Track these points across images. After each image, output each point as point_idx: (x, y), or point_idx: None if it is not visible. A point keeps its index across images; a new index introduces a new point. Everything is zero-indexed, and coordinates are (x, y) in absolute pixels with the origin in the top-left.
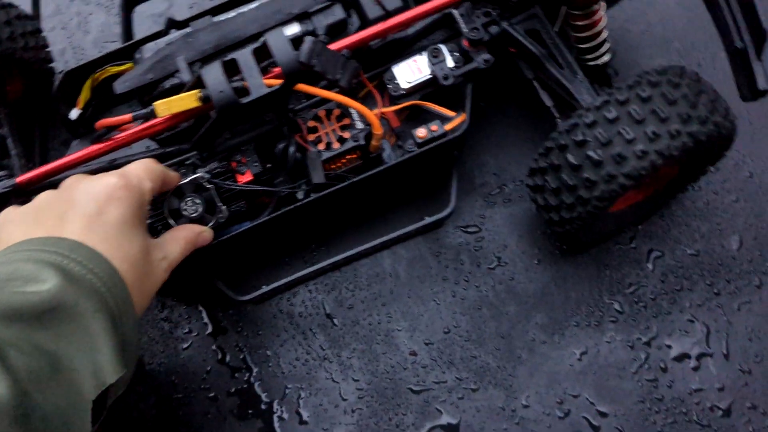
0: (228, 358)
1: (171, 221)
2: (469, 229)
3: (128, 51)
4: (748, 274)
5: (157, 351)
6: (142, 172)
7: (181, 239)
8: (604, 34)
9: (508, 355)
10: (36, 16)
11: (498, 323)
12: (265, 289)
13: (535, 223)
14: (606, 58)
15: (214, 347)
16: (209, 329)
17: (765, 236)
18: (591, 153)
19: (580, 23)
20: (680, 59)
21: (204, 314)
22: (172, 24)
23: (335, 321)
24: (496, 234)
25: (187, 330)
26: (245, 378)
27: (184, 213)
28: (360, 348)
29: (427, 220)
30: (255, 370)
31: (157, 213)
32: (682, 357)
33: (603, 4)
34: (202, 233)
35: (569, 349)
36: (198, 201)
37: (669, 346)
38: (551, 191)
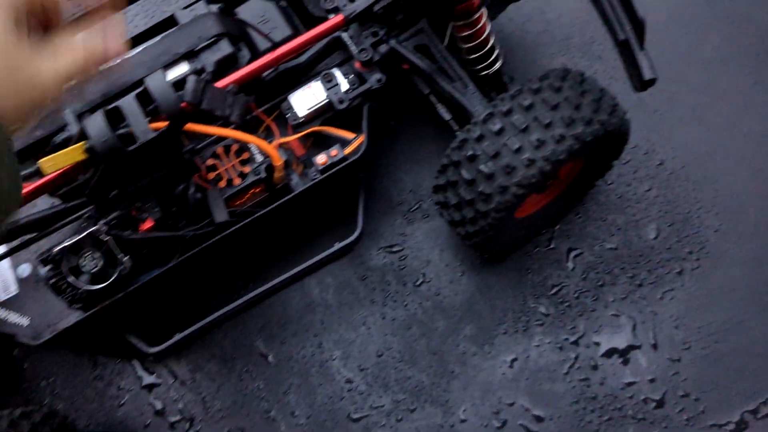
0: (165, 410)
1: (71, 279)
2: (393, 249)
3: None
4: (668, 261)
5: (93, 411)
6: None
7: (79, 47)
8: (491, 42)
9: (441, 370)
10: None
11: (428, 340)
12: (177, 336)
13: (455, 236)
14: (497, 65)
15: (150, 400)
16: (144, 382)
17: (681, 222)
18: (482, 167)
19: (464, 33)
20: (581, 55)
21: (137, 367)
22: None
23: (269, 358)
24: (419, 251)
25: (121, 386)
26: (185, 428)
27: (84, 269)
28: (296, 383)
29: (337, 246)
30: (194, 419)
31: (56, 273)
32: (611, 353)
33: (485, 12)
34: (110, 45)
35: (500, 357)
36: (97, 255)
37: (597, 344)
38: (454, 207)
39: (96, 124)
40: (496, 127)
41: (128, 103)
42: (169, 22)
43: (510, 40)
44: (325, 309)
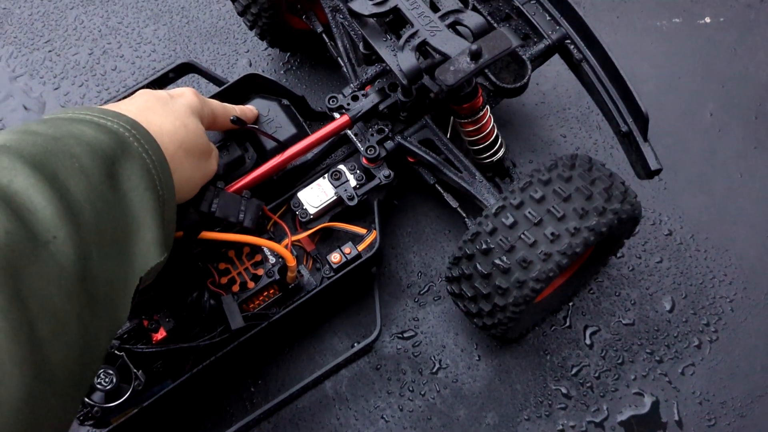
0: None
1: (85, 398)
2: (405, 335)
3: None
4: (686, 335)
5: None
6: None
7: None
8: (495, 133)
9: None
10: None
11: (450, 431)
12: None
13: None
14: (500, 153)
15: None
16: None
17: (695, 293)
18: (497, 261)
19: (469, 129)
20: (579, 125)
21: None
22: None
23: None
24: (433, 336)
25: None
26: None
27: (99, 387)
28: None
29: (356, 347)
30: None
31: None
32: None
33: (488, 108)
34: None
35: None
36: (110, 372)
37: (621, 424)
38: (469, 299)
39: None
40: (509, 220)
41: None
42: None
43: (507, 115)
44: (340, 404)
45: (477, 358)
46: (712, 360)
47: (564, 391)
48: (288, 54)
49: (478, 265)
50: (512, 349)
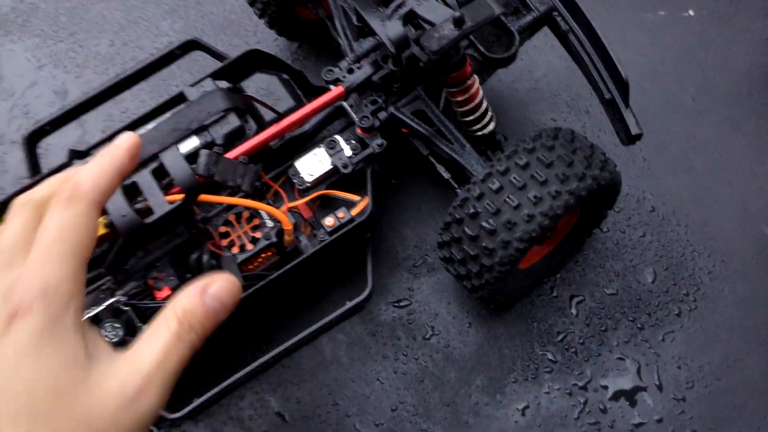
0: None
1: None
2: (401, 304)
3: (34, 186)
4: (666, 304)
5: None
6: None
7: (163, 337)
8: (485, 105)
9: (456, 422)
10: None
11: (441, 392)
12: (196, 402)
13: (460, 288)
14: (491, 126)
15: None
16: None
17: (676, 265)
18: (484, 223)
19: (458, 99)
20: (569, 109)
21: (154, 431)
22: (74, 155)
23: (285, 418)
24: (426, 304)
25: None
26: None
27: (105, 340)
28: None
29: (348, 304)
30: None
31: None
32: (619, 395)
33: (476, 78)
34: (221, 296)
35: (512, 406)
36: (117, 325)
37: (605, 387)
38: (459, 262)
39: (114, 198)
40: (495, 185)
41: (144, 179)
42: (179, 98)
43: (500, 99)
44: (338, 366)
45: (468, 325)
46: (690, 327)
47: (550, 356)
48: (296, 45)
49: (466, 229)
50: (501, 317)
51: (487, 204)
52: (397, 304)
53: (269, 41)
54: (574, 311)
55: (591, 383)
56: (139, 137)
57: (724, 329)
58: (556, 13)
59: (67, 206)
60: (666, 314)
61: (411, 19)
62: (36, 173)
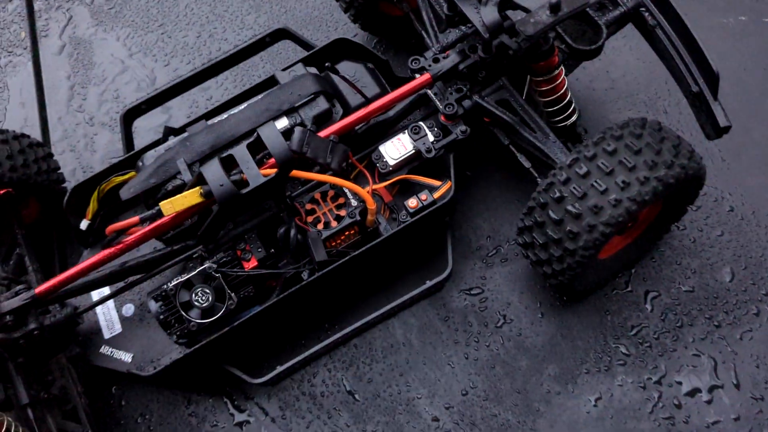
0: None
1: (183, 314)
2: (473, 291)
3: (130, 161)
4: (745, 303)
5: None
6: None
7: None
8: (569, 96)
9: (527, 409)
10: (46, 142)
11: (512, 379)
12: (279, 369)
13: (533, 279)
14: (574, 117)
15: None
16: (235, 419)
17: (755, 265)
18: (570, 207)
19: (544, 88)
20: (647, 110)
21: (228, 404)
22: (170, 131)
23: (356, 396)
24: (499, 293)
25: (214, 423)
26: None
27: (196, 304)
28: (383, 420)
29: (428, 283)
30: None
31: (167, 309)
32: (694, 392)
33: (563, 68)
34: None
35: (584, 396)
36: (207, 291)
37: (679, 383)
38: (540, 246)
39: (213, 169)
40: (582, 170)
41: (241, 152)
42: (271, 81)
43: (578, 98)
44: (410, 349)
45: (540, 315)
46: None
47: (623, 349)
48: (375, 40)
49: (550, 213)
50: (574, 309)
51: (574, 188)
52: (469, 292)
53: (349, 36)
54: (648, 306)
55: (665, 378)
56: None
57: None
58: (643, 9)
59: None
60: (744, 313)
61: (505, 6)
62: (130, 150)
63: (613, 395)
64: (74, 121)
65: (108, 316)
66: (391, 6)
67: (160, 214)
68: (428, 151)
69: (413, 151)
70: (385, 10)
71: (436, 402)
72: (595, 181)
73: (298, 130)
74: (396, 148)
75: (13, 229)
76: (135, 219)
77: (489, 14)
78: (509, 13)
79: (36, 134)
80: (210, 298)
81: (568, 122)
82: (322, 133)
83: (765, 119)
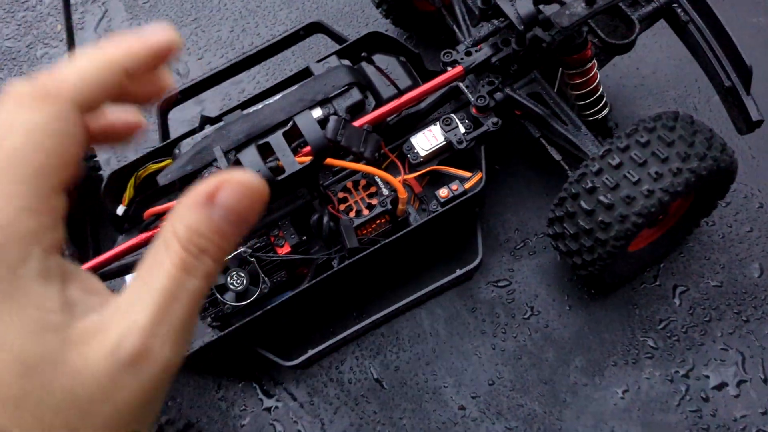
0: (285, 430)
1: (218, 296)
2: (500, 283)
3: (167, 149)
4: None
5: (217, 430)
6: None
7: (164, 272)
8: (600, 89)
9: (553, 400)
10: None
11: (539, 370)
12: (311, 352)
13: (561, 272)
14: (605, 111)
15: (270, 421)
16: (264, 404)
17: None
18: (602, 197)
19: (576, 81)
20: (677, 106)
21: (258, 390)
22: (206, 120)
23: (384, 384)
24: (526, 285)
25: (243, 407)
26: None
27: (231, 287)
28: (410, 408)
29: (459, 272)
30: None
31: None
32: (722, 386)
33: (595, 62)
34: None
35: (611, 388)
36: (242, 274)
37: (707, 376)
38: (570, 237)
39: (250, 156)
40: (615, 161)
41: (277, 140)
42: (305, 73)
43: (608, 94)
44: (437, 339)
45: (568, 308)
46: None
47: (651, 342)
48: (406, 36)
49: (582, 203)
50: (602, 302)
51: (606, 179)
52: (496, 284)
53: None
54: (677, 300)
55: (693, 371)
56: (174, 32)
57: None
58: (675, 5)
59: (32, 106)
60: None
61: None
62: (166, 139)
63: (641, 388)
64: None
65: None
66: (424, 2)
67: None
68: (459, 142)
69: (444, 142)
70: (418, 6)
71: (463, 391)
72: (628, 172)
73: (333, 118)
74: (427, 140)
75: None
76: (174, 203)
77: (524, 6)
78: (542, 7)
79: None
80: (245, 282)
81: (600, 116)
82: (356, 123)
83: None
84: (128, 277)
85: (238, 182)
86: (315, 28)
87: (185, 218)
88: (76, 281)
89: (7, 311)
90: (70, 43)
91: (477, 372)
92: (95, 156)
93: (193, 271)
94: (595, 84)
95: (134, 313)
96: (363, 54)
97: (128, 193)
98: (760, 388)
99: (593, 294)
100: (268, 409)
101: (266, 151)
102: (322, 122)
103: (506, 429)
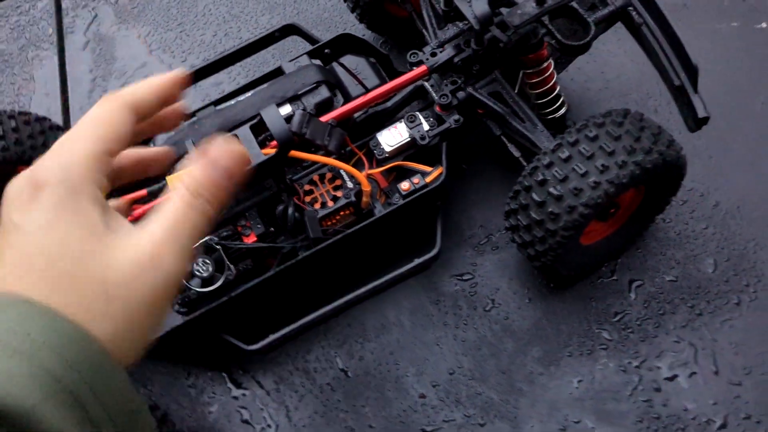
0: (251, 417)
1: (184, 282)
2: (464, 277)
3: (144, 143)
4: (726, 293)
5: (185, 416)
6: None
7: (173, 205)
8: (557, 89)
9: (510, 388)
10: (67, 128)
11: (497, 360)
12: (272, 337)
13: (522, 266)
14: (563, 110)
15: (237, 408)
16: (232, 392)
17: (737, 257)
18: (551, 189)
19: (533, 81)
20: (639, 108)
21: (226, 378)
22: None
23: (348, 373)
24: (488, 279)
25: (212, 394)
26: None
27: (196, 273)
28: (373, 396)
29: (416, 261)
30: (275, 426)
31: None
32: (673, 377)
33: (552, 62)
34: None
35: (566, 378)
36: (208, 261)
37: (659, 368)
38: (524, 228)
39: None
40: (565, 154)
41: (244, 132)
42: (277, 71)
43: (573, 98)
44: (401, 329)
45: (527, 301)
46: (750, 316)
47: (606, 334)
48: (381, 41)
49: (534, 195)
50: (560, 295)
51: (556, 171)
52: (460, 277)
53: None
54: (633, 294)
55: (646, 363)
56: (187, 73)
57: None
58: (631, 8)
59: (103, 103)
60: (725, 302)
61: (497, 4)
62: None
63: (594, 377)
64: None
65: None
66: (396, 7)
67: (166, 187)
68: (422, 138)
69: (409, 138)
70: (391, 11)
71: (424, 380)
72: (576, 165)
73: (298, 113)
74: (392, 136)
75: None
76: (143, 191)
77: (479, 6)
78: (503, 10)
79: (58, 121)
80: (210, 268)
81: (557, 114)
82: (322, 119)
83: (752, 119)
84: None
85: (226, 145)
86: (290, 30)
87: (188, 170)
88: (111, 212)
89: (70, 216)
90: (60, 46)
91: (438, 362)
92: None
93: (194, 206)
94: (552, 83)
95: (150, 230)
96: (326, 51)
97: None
98: (710, 380)
99: (552, 288)
100: (236, 397)
101: None
102: (291, 118)
103: (464, 416)
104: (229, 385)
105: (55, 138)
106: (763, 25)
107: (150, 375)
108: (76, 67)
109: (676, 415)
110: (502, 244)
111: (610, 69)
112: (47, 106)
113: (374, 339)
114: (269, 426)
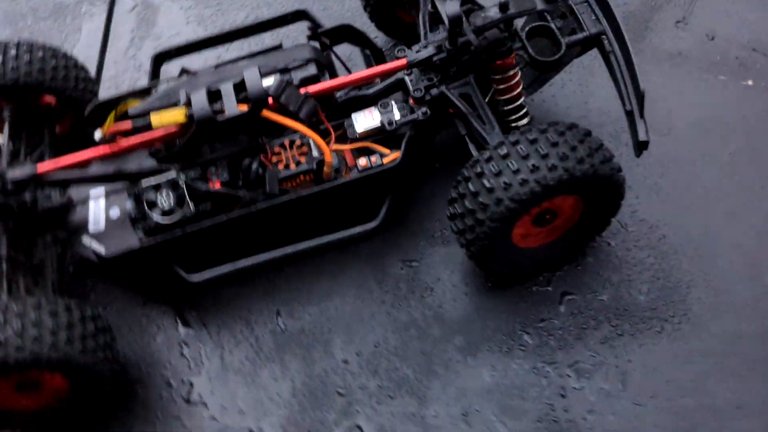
0: (188, 352)
1: (146, 209)
2: (411, 263)
3: (148, 90)
4: (651, 320)
5: (132, 340)
6: None
7: None
8: (522, 99)
9: (426, 369)
10: (98, 80)
11: (422, 342)
12: (211, 272)
13: (468, 262)
14: (525, 120)
15: (179, 341)
16: (178, 327)
17: (670, 289)
18: (485, 181)
19: (501, 87)
20: (611, 139)
21: (176, 314)
22: (184, 72)
23: (285, 330)
24: (432, 268)
25: (161, 325)
26: (199, 369)
27: (158, 204)
28: (301, 353)
29: (355, 229)
30: (208, 363)
31: (137, 207)
32: (581, 387)
33: (519, 72)
34: None
35: (480, 369)
36: (170, 194)
37: (569, 376)
38: (459, 216)
39: (199, 96)
40: (504, 152)
41: (226, 88)
42: (277, 47)
43: (552, 118)
44: (342, 299)
45: (464, 294)
46: (668, 346)
47: (527, 338)
48: (391, 43)
49: (470, 186)
50: (496, 294)
51: (492, 165)
52: (407, 263)
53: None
54: (562, 307)
55: (558, 369)
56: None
57: (700, 355)
58: (604, 36)
59: None
60: (648, 328)
61: (467, 1)
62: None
63: (507, 374)
64: (126, 66)
65: (96, 214)
66: (407, 13)
67: (149, 121)
68: (389, 124)
69: (379, 124)
70: (402, 16)
71: (350, 348)
72: (511, 162)
73: (276, 78)
74: (366, 120)
75: (43, 132)
76: (128, 122)
77: (451, 7)
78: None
79: (92, 69)
80: (171, 202)
81: (520, 123)
82: (302, 90)
83: (717, 167)
84: (92, 191)
85: None
86: (301, 15)
87: None
88: None
89: None
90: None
91: (367, 334)
92: (98, 94)
93: None
94: (517, 92)
95: None
96: (318, 30)
97: (108, 121)
98: (615, 396)
99: (490, 287)
100: (180, 333)
101: (217, 98)
102: None
103: (377, 386)
104: (177, 320)
105: (78, 76)
106: (750, 82)
107: (110, 299)
108: (120, 25)
109: (574, 422)
110: (453, 240)
111: (594, 100)
112: (86, 56)
113: (316, 303)
114: (202, 363)
